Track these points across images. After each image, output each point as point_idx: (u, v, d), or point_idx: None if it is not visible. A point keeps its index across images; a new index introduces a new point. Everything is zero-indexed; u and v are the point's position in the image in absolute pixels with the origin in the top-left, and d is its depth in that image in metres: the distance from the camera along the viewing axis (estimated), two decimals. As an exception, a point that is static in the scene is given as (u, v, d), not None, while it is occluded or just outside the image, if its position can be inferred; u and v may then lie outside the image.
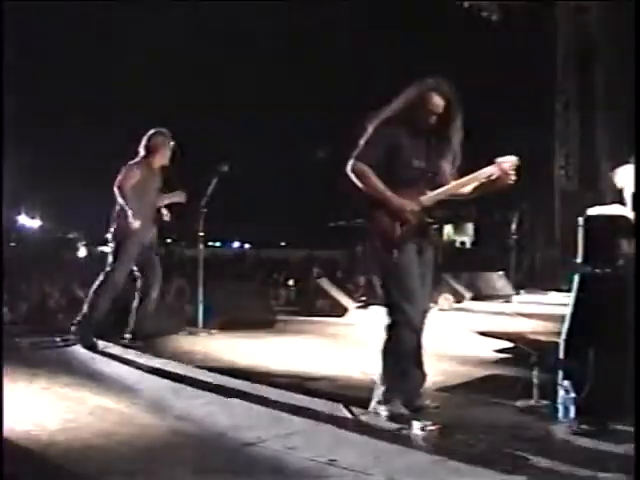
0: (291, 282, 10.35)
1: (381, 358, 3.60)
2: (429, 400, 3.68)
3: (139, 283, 5.86)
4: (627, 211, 4.18)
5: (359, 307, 8.63)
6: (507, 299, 10.18)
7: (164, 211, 6.08)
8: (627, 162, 4.94)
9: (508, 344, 5.41)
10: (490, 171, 3.53)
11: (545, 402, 3.62)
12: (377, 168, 3.56)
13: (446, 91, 3.58)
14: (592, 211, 4.05)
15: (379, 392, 3.58)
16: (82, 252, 20.82)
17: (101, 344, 5.59)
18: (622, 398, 3.26)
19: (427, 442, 3.14)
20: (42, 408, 3.63)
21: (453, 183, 3.64)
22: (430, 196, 3.60)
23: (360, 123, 3.64)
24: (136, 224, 5.56)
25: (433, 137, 3.65)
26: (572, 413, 3.39)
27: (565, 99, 14.44)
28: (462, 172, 3.68)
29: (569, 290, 3.76)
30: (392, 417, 3.45)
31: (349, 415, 3.57)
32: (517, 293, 10.61)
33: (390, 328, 3.55)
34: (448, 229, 17.87)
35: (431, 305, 3.88)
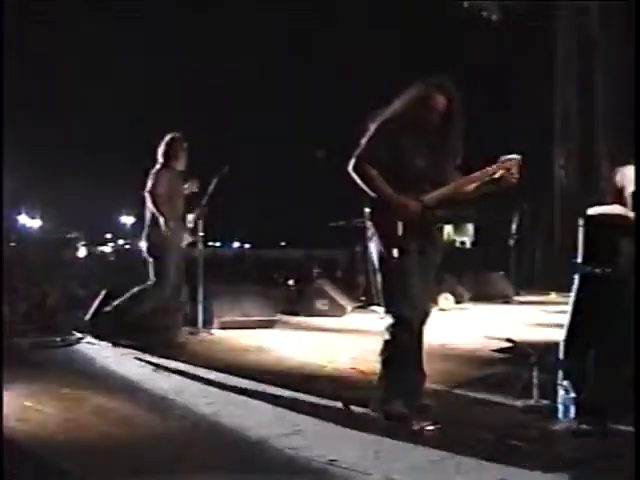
0: (291, 282, 10.34)
1: (381, 358, 3.59)
2: (429, 400, 3.68)
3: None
4: (627, 211, 4.18)
5: (359, 307, 8.63)
6: (507, 299, 10.19)
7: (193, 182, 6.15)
8: (627, 162, 4.94)
9: (508, 344, 5.39)
10: (493, 170, 3.53)
11: (545, 402, 3.62)
12: (379, 167, 3.55)
13: (448, 90, 3.58)
14: (592, 211, 4.04)
15: (379, 392, 3.58)
16: (82, 252, 20.86)
17: (102, 344, 5.61)
18: (622, 398, 3.26)
19: (427, 442, 3.14)
20: (42, 408, 3.63)
21: (455, 182, 3.64)
22: (432, 195, 3.59)
23: (361, 123, 3.64)
24: (169, 232, 5.65)
25: (435, 136, 3.65)
26: (572, 413, 3.39)
27: (565, 99, 14.44)
28: (464, 171, 3.67)
29: (569, 290, 3.76)
30: (392, 417, 3.45)
31: (349, 415, 3.57)
32: (517, 293, 10.61)
33: (390, 328, 3.55)
34: (448, 229, 17.86)
35: (432, 305, 3.88)
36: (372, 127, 3.60)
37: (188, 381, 4.42)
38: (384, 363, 3.58)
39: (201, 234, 6.61)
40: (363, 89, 15.49)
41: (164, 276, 5.71)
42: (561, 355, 3.60)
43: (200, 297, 6.58)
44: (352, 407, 3.66)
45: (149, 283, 5.75)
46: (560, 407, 3.44)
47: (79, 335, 5.95)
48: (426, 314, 3.65)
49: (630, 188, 4.40)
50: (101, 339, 5.74)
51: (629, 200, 4.44)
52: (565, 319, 3.66)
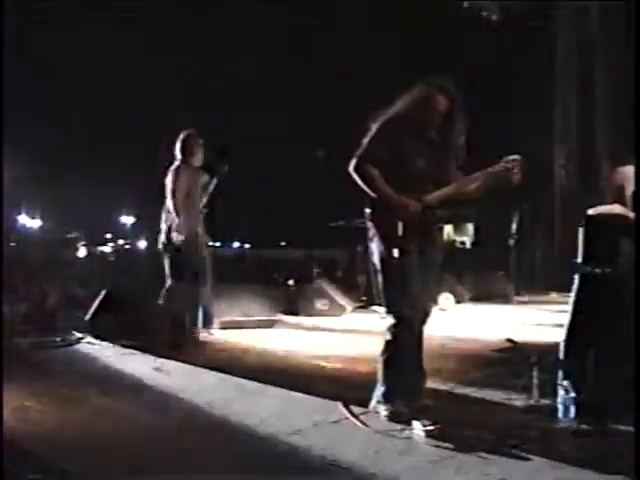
0: (291, 282, 10.33)
1: (382, 358, 3.60)
2: (429, 400, 3.68)
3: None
4: (627, 211, 4.18)
5: (359, 307, 8.63)
6: (507, 299, 10.18)
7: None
8: (627, 162, 4.93)
9: (508, 344, 5.38)
10: (495, 170, 3.53)
11: (545, 402, 3.62)
12: (380, 167, 3.55)
13: (450, 91, 3.58)
14: (592, 211, 4.04)
15: (379, 392, 3.58)
16: (82, 252, 20.87)
17: (102, 344, 5.61)
18: (622, 398, 3.26)
19: (427, 442, 3.14)
20: (42, 408, 3.63)
21: (457, 182, 3.64)
22: (434, 196, 3.59)
23: (361, 123, 3.64)
24: (181, 237, 5.74)
25: (437, 137, 3.65)
26: (572, 413, 3.39)
27: (565, 99, 14.43)
28: (465, 172, 3.67)
29: (569, 290, 3.76)
30: (392, 417, 3.45)
31: (349, 415, 3.57)
32: (517, 293, 10.61)
33: (391, 328, 3.55)
34: (448, 229, 17.84)
35: (432, 305, 3.88)
36: (373, 127, 3.61)
37: (188, 381, 4.42)
38: (385, 363, 3.58)
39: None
40: (363, 89, 15.49)
41: (181, 273, 5.76)
42: (561, 355, 3.60)
43: (200, 297, 6.57)
44: (352, 407, 3.66)
45: (168, 284, 5.81)
46: (560, 407, 3.44)
47: (79, 335, 5.95)
48: (427, 314, 3.65)
49: (630, 188, 4.40)
50: (101, 339, 5.74)
51: (629, 200, 4.44)
52: (565, 319, 3.67)
